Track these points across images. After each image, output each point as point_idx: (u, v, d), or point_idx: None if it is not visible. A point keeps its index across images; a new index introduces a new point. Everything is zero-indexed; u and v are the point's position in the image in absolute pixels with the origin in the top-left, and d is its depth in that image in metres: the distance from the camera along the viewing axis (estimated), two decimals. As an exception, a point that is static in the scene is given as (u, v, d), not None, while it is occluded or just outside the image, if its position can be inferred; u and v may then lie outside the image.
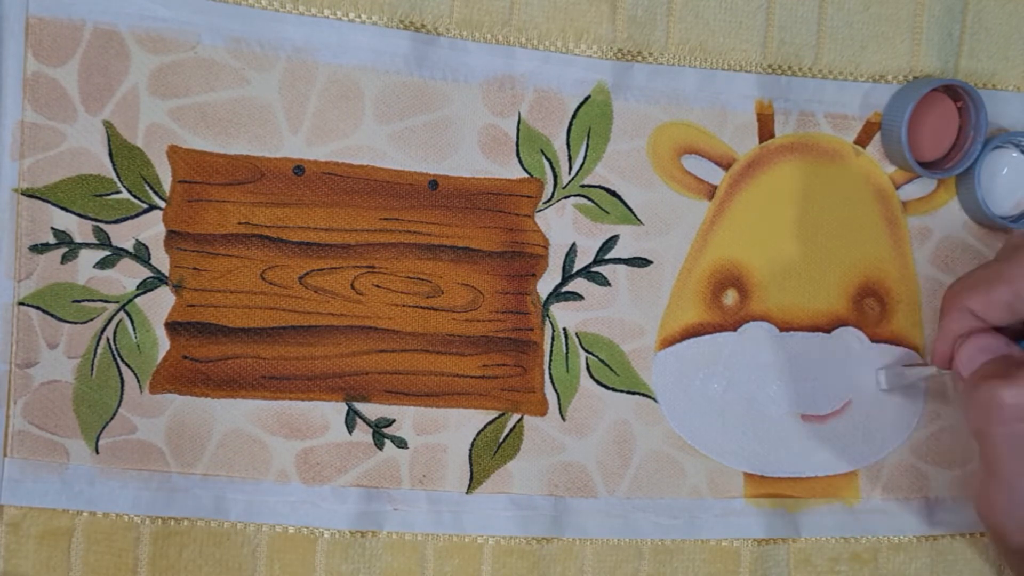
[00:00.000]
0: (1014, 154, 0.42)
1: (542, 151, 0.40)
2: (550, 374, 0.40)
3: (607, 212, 0.40)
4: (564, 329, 0.40)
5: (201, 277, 0.38)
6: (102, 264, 0.37)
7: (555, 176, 0.40)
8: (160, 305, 0.38)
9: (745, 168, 0.41)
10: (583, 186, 0.40)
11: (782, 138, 0.41)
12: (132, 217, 0.37)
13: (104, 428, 0.37)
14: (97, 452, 0.37)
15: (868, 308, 0.42)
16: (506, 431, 0.40)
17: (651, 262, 0.41)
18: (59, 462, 0.37)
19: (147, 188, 0.37)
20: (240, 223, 0.38)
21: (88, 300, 0.37)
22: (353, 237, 0.39)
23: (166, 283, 0.38)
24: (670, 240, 0.41)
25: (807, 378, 0.41)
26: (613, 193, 0.40)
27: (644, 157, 0.40)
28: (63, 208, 0.37)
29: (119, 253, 0.37)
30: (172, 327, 0.38)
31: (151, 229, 0.38)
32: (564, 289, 0.40)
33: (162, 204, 0.38)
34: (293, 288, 0.38)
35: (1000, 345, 0.35)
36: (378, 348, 0.39)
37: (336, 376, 0.39)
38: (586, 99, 0.40)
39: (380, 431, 0.39)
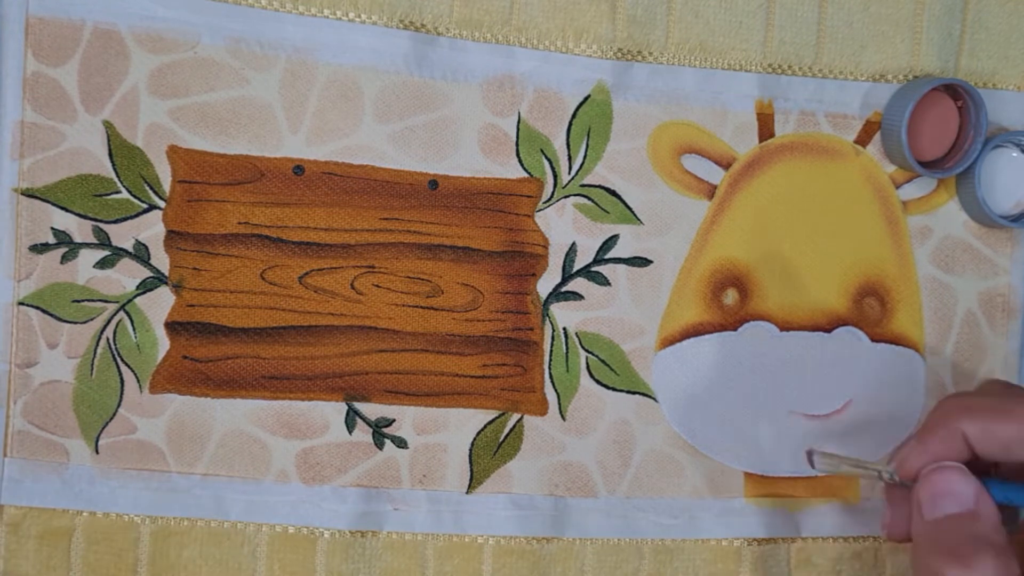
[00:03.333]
0: (1014, 153, 0.42)
1: (542, 151, 0.40)
2: (550, 374, 0.40)
3: (607, 212, 0.40)
4: (564, 329, 0.40)
5: (201, 277, 0.38)
6: (102, 264, 0.37)
7: (555, 176, 0.40)
8: (160, 305, 0.38)
9: (745, 168, 0.41)
10: (583, 186, 0.40)
11: (782, 138, 0.41)
12: (132, 217, 0.37)
13: (104, 428, 0.37)
14: (97, 452, 0.37)
15: (868, 308, 0.42)
16: (506, 431, 0.40)
17: (651, 262, 0.41)
18: (59, 462, 0.37)
19: (147, 188, 0.37)
20: (240, 223, 0.38)
21: (88, 300, 0.37)
22: (353, 237, 0.39)
23: (166, 283, 0.38)
24: (670, 240, 0.41)
25: (807, 378, 0.41)
26: (613, 193, 0.40)
27: (644, 157, 0.40)
28: (63, 208, 0.37)
29: (119, 253, 0.37)
30: (172, 327, 0.38)
31: (151, 229, 0.38)
32: (564, 289, 0.40)
33: (162, 204, 0.38)
34: (293, 288, 0.38)
35: (969, 496, 0.31)
36: (378, 348, 0.39)
37: (336, 376, 0.39)
38: (586, 99, 0.40)
39: (380, 431, 0.39)
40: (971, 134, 0.41)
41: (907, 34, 0.41)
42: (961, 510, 0.31)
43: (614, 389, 0.40)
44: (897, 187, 0.42)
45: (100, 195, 0.37)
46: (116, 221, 0.37)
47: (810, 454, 0.38)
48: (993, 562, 0.29)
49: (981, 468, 0.33)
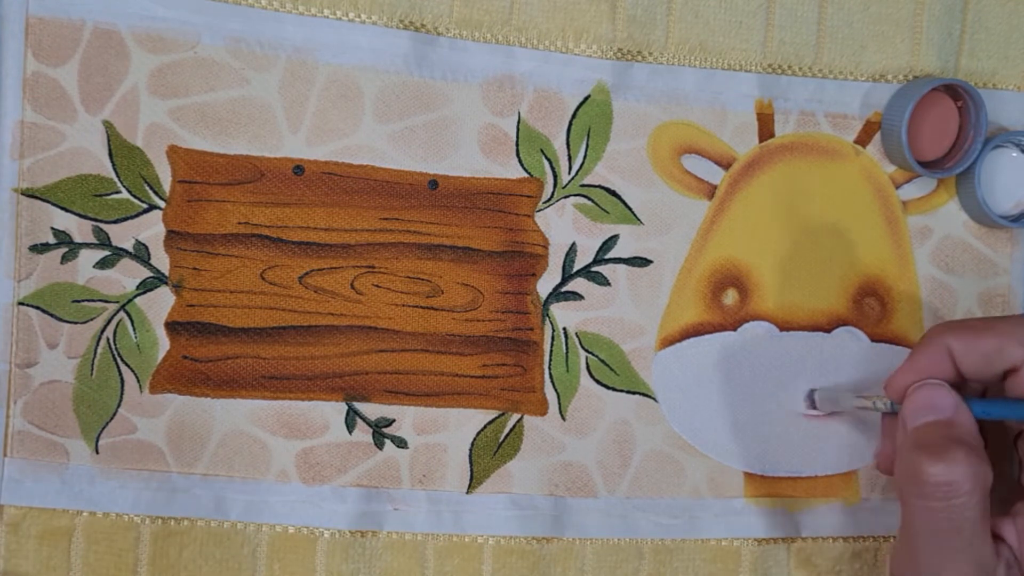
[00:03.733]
0: (1014, 154, 0.42)
1: (542, 151, 0.40)
2: (550, 374, 0.40)
3: (607, 212, 0.40)
4: (564, 329, 0.40)
5: (201, 277, 0.38)
6: (102, 264, 0.37)
7: (555, 176, 0.40)
8: (160, 305, 0.38)
9: (745, 168, 0.41)
10: (583, 186, 0.40)
11: (782, 138, 0.41)
12: (132, 217, 0.37)
13: (104, 428, 0.37)
14: (97, 452, 0.37)
15: (868, 308, 0.42)
16: (506, 431, 0.40)
17: (651, 262, 0.41)
18: (59, 462, 0.37)
19: (147, 188, 0.37)
20: (240, 223, 0.38)
21: (88, 300, 0.37)
22: (353, 237, 0.39)
23: (166, 283, 0.38)
24: (670, 240, 0.41)
25: (807, 378, 0.41)
26: (613, 193, 0.40)
27: (644, 157, 0.40)
28: (63, 208, 0.37)
29: (119, 253, 0.37)
30: (172, 327, 0.38)
31: (151, 229, 0.38)
32: (564, 289, 0.40)
33: (162, 204, 0.38)
34: (293, 288, 0.38)
35: (948, 406, 0.34)
36: (378, 348, 0.39)
37: (336, 376, 0.39)
38: (586, 99, 0.40)
39: (380, 431, 0.39)
40: (971, 134, 0.41)
41: (907, 34, 0.41)
42: (939, 417, 0.34)
43: (614, 389, 0.40)
44: (897, 187, 0.42)
45: (100, 195, 0.37)
46: (116, 221, 0.37)
47: (811, 394, 0.41)
48: (966, 457, 0.32)
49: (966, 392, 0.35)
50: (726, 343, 0.41)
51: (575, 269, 0.40)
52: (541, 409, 0.40)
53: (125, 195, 0.37)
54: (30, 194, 0.37)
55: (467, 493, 0.39)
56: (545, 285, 0.40)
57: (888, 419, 0.38)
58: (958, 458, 0.32)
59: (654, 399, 0.41)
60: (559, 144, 0.40)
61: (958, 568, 0.32)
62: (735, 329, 0.41)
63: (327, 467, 0.39)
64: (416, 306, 0.39)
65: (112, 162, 0.37)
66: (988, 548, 0.32)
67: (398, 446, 0.39)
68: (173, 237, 0.38)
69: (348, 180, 0.38)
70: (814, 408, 0.41)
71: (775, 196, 0.41)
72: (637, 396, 0.40)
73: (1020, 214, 0.42)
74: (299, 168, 0.38)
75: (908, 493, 0.33)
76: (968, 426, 0.33)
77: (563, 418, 0.40)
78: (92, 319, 0.37)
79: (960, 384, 0.35)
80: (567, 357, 0.40)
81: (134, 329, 0.38)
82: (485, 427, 0.39)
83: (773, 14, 0.41)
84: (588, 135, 0.40)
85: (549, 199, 0.40)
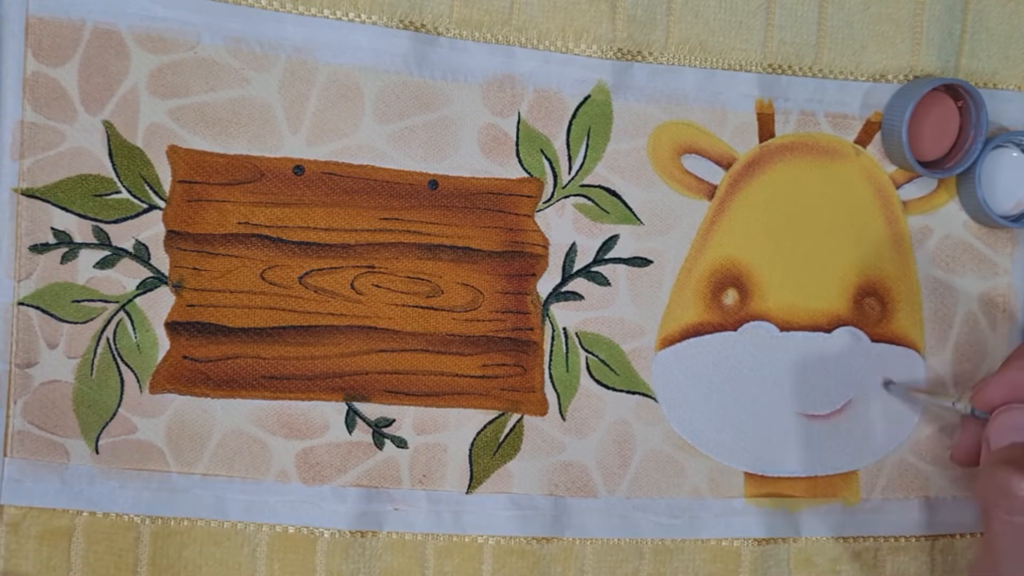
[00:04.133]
0: (1015, 154, 0.42)
1: (542, 151, 0.40)
2: (550, 374, 0.40)
3: (607, 212, 0.40)
4: (564, 329, 0.40)
5: (201, 277, 0.38)
6: (102, 264, 0.37)
7: (555, 176, 0.40)
8: (160, 305, 0.38)
9: (745, 168, 0.41)
10: (583, 186, 0.40)
11: (782, 138, 0.41)
12: (132, 217, 0.37)
13: (104, 428, 0.37)
14: (97, 452, 0.37)
15: (868, 308, 0.42)
16: (506, 431, 0.40)
17: (651, 262, 0.41)
18: (59, 462, 0.37)
19: (147, 188, 0.37)
20: (240, 223, 0.38)
21: (88, 300, 0.37)
22: (353, 237, 0.39)
23: (166, 283, 0.38)
24: (670, 240, 0.41)
25: (807, 378, 0.41)
26: (613, 193, 0.40)
27: (644, 157, 0.40)
28: (63, 208, 0.37)
29: (119, 253, 0.37)
30: (172, 327, 0.38)
31: (151, 229, 0.38)
32: (564, 289, 0.40)
33: (162, 204, 0.38)
34: (293, 288, 0.38)
35: None
36: (378, 348, 0.39)
37: (336, 376, 0.39)
38: (586, 99, 0.40)
39: (380, 431, 0.39)
40: (971, 134, 0.41)
41: (907, 34, 0.41)
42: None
43: (614, 389, 0.40)
44: (897, 187, 0.42)
45: (100, 195, 0.37)
46: (116, 221, 0.37)
47: (887, 383, 0.42)
48: None
49: None
50: (726, 343, 0.41)
51: (575, 269, 0.40)
52: (541, 409, 0.40)
53: (125, 195, 0.37)
54: (30, 194, 0.37)
55: (467, 493, 0.39)
56: (545, 285, 0.40)
57: (969, 420, 0.39)
58: None
59: (654, 399, 0.41)
60: (559, 144, 0.40)
61: None
62: (735, 329, 0.41)
63: (327, 467, 0.39)
64: (416, 306, 0.39)
65: (112, 162, 0.37)
66: None
67: (398, 446, 0.39)
68: (173, 237, 0.38)
69: (348, 180, 0.38)
70: (887, 391, 0.42)
71: (775, 196, 0.41)
72: (637, 396, 0.40)
73: (1020, 214, 0.42)
74: (299, 168, 0.38)
75: (995, 506, 0.33)
76: None
77: (563, 418, 0.40)
78: (92, 319, 0.37)
79: None
80: (567, 357, 0.40)
81: (134, 329, 0.38)
82: (485, 427, 0.39)
83: (773, 14, 0.41)
84: (588, 135, 0.40)
85: (549, 199, 0.40)
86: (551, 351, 0.40)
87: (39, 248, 0.37)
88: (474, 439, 0.39)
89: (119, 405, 0.37)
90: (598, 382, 0.40)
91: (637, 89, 0.40)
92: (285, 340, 0.38)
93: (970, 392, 0.38)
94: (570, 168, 0.40)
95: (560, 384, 0.40)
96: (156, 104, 0.37)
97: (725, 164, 0.41)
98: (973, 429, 0.38)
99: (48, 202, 0.37)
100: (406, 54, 0.38)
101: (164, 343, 0.38)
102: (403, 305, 0.39)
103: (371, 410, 0.39)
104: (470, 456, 0.39)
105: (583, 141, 0.40)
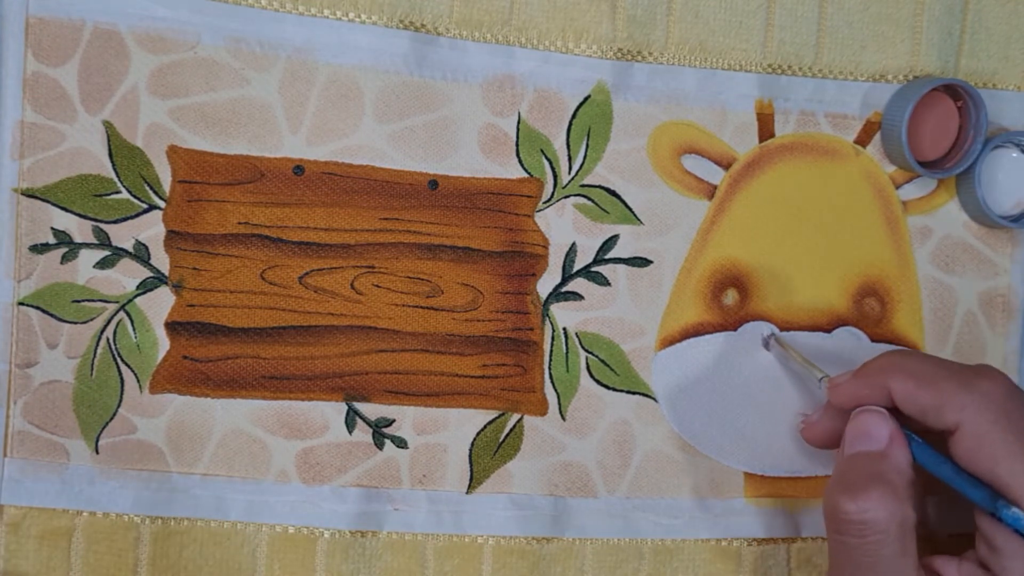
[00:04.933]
0: (1014, 154, 0.42)
1: (542, 151, 0.40)
2: (550, 374, 0.40)
3: (607, 212, 0.40)
4: (564, 329, 0.40)
5: (201, 277, 0.38)
6: (102, 264, 0.37)
7: (555, 176, 0.40)
8: (160, 305, 0.38)
9: (745, 168, 0.41)
10: (583, 186, 0.40)
11: (782, 138, 0.41)
12: (132, 217, 0.37)
13: (104, 428, 0.37)
14: (97, 452, 0.37)
15: (868, 308, 0.42)
16: (506, 431, 0.40)
17: (651, 262, 0.41)
18: (59, 462, 0.37)
19: (147, 188, 0.37)
20: (240, 223, 0.38)
21: (88, 300, 0.37)
22: (353, 237, 0.39)
23: (166, 283, 0.38)
24: (670, 240, 0.41)
25: (807, 378, 0.41)
26: (613, 193, 0.40)
27: (644, 157, 0.40)
28: (63, 208, 0.37)
29: (119, 253, 0.37)
30: (172, 327, 0.38)
31: (151, 229, 0.38)
32: (564, 289, 0.40)
33: (162, 204, 0.38)
34: (293, 288, 0.38)
35: (881, 439, 0.33)
36: (378, 348, 0.39)
37: (336, 376, 0.39)
38: (586, 99, 0.40)
39: (380, 431, 0.39)
40: (971, 134, 0.41)
41: (907, 34, 0.41)
42: (871, 449, 0.34)
43: (614, 389, 0.40)
44: (897, 187, 0.42)
45: (100, 195, 0.37)
46: (116, 221, 0.37)
47: (769, 337, 0.40)
48: (880, 497, 0.32)
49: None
50: (726, 343, 0.41)
51: (575, 269, 0.40)
52: (541, 409, 0.40)
53: (125, 195, 0.37)
54: (30, 194, 0.37)
55: (467, 493, 0.39)
56: (545, 285, 0.40)
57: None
58: (873, 497, 0.32)
59: (654, 399, 0.41)
60: (559, 144, 0.40)
61: None
62: (735, 329, 0.41)
63: (327, 467, 0.39)
64: (416, 306, 0.39)
65: (112, 162, 0.37)
66: None
67: (398, 446, 0.39)
68: (173, 237, 0.38)
69: (348, 180, 0.38)
70: (766, 349, 0.41)
71: (775, 196, 0.41)
72: (637, 396, 0.40)
73: (1020, 214, 0.42)
74: (299, 168, 0.38)
75: (827, 527, 0.33)
76: (897, 461, 0.33)
77: (563, 418, 0.40)
78: (92, 319, 0.37)
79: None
80: (567, 357, 0.40)
81: (134, 329, 0.38)
82: (485, 427, 0.39)
83: (773, 14, 0.41)
84: (588, 135, 0.40)
85: (549, 199, 0.40)
86: (551, 351, 0.40)
87: (39, 248, 0.37)
88: (474, 439, 0.39)
89: (119, 405, 0.37)
90: (598, 382, 0.40)
91: (637, 89, 0.40)
92: (285, 340, 0.38)
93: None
94: (570, 168, 0.40)
95: (560, 384, 0.40)
96: (156, 104, 0.37)
97: (725, 164, 0.41)
98: (833, 415, 0.37)
99: (48, 202, 0.37)
100: (406, 54, 0.38)
101: (164, 343, 0.38)
102: (403, 305, 0.39)
103: (371, 410, 0.39)
104: (470, 456, 0.39)
105: (583, 141, 0.40)
